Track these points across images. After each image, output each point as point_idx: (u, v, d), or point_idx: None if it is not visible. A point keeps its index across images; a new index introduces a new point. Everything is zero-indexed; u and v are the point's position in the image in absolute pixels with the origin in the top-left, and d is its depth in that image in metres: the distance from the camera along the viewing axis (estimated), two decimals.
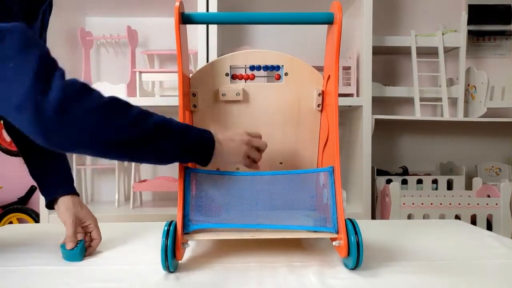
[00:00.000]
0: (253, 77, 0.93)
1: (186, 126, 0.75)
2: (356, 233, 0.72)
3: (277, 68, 0.92)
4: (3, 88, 0.60)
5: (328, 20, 0.84)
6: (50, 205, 0.91)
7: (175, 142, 0.72)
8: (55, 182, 0.91)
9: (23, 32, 0.63)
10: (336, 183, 0.78)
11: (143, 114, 0.68)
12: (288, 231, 0.76)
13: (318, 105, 0.92)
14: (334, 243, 0.75)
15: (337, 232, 0.74)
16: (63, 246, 0.80)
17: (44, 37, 0.86)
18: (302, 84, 0.93)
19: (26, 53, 0.61)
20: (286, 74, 0.92)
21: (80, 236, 0.85)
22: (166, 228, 0.73)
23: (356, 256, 0.71)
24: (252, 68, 0.92)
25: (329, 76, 0.86)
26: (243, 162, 0.82)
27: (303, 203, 0.83)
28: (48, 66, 0.64)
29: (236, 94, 0.91)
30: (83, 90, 0.64)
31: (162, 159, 0.73)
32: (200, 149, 0.75)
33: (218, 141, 0.77)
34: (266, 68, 0.92)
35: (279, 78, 0.93)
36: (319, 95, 0.91)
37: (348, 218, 0.75)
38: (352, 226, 0.73)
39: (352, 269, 0.73)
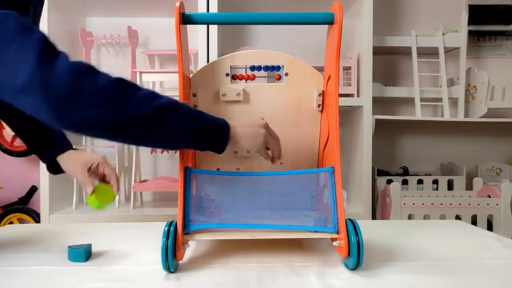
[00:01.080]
0: (253, 77, 0.93)
1: (199, 111, 0.73)
2: (356, 233, 0.71)
3: (278, 68, 0.92)
4: (5, 72, 0.59)
5: (328, 20, 0.84)
6: (53, 169, 0.94)
7: (187, 123, 0.70)
8: (52, 144, 0.94)
9: (19, 18, 0.62)
10: (336, 183, 0.77)
11: (153, 93, 0.67)
12: (288, 231, 0.76)
13: (319, 105, 0.92)
14: (334, 243, 0.75)
15: (338, 232, 0.74)
16: (69, 247, 0.80)
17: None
18: (302, 84, 0.92)
19: (26, 35, 0.60)
20: (286, 74, 0.92)
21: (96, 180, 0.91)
22: (166, 228, 0.73)
23: (356, 256, 0.71)
24: (253, 68, 0.92)
25: (329, 76, 0.87)
26: (262, 150, 0.80)
27: (304, 203, 0.83)
28: (50, 47, 0.62)
29: (237, 95, 0.91)
30: (91, 68, 0.63)
31: (171, 141, 0.71)
32: (213, 134, 0.73)
33: (233, 127, 0.75)
34: (266, 68, 0.92)
35: (279, 78, 0.93)
36: (319, 95, 0.91)
37: (349, 218, 0.74)
38: (352, 226, 0.73)
39: (353, 269, 0.73)
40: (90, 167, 0.91)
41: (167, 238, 0.71)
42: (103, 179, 0.94)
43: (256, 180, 0.84)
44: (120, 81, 0.65)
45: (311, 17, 0.86)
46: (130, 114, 0.64)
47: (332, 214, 0.76)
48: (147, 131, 0.67)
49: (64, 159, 0.93)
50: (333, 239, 0.77)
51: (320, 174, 0.82)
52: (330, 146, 0.86)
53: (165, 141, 0.71)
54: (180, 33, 0.79)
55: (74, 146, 0.98)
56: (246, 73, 0.93)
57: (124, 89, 0.64)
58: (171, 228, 0.73)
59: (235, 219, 0.78)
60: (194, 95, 0.91)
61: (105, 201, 0.82)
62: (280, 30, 1.86)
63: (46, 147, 0.96)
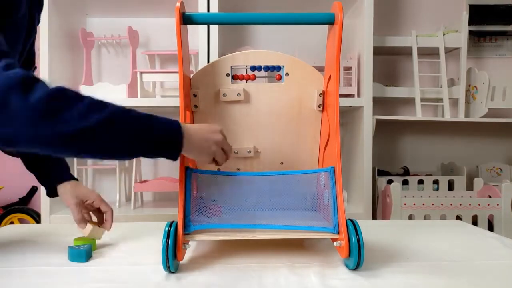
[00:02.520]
0: (254, 78, 0.93)
1: (148, 119, 0.69)
2: (357, 233, 0.72)
3: (278, 68, 0.92)
4: None
5: (329, 21, 0.84)
6: (51, 193, 0.96)
7: (132, 136, 0.66)
8: (50, 173, 0.96)
9: None
10: (337, 184, 0.78)
11: (94, 105, 0.63)
12: (289, 232, 0.76)
13: (319, 106, 0.92)
14: (335, 243, 0.75)
15: (338, 233, 0.75)
16: (70, 247, 0.79)
17: (33, 31, 0.86)
18: (303, 85, 0.92)
19: None
20: (287, 74, 0.92)
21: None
22: (166, 228, 0.73)
23: (357, 256, 0.71)
24: (253, 68, 0.92)
25: (330, 76, 0.87)
26: (206, 161, 0.78)
27: (304, 203, 0.84)
28: None
29: (237, 95, 0.91)
30: (26, 83, 0.59)
31: (117, 154, 0.68)
32: (164, 143, 0.70)
33: (187, 137, 0.72)
34: (267, 68, 0.92)
35: (280, 78, 0.93)
36: (319, 96, 0.91)
37: (349, 219, 0.75)
38: (353, 226, 0.73)
39: (353, 269, 0.73)
40: (85, 202, 0.92)
41: (167, 238, 0.71)
42: (98, 211, 0.94)
43: (257, 180, 0.84)
44: (54, 96, 0.61)
45: (312, 17, 0.86)
46: (61, 130, 0.59)
47: (332, 215, 0.76)
48: (86, 147, 0.63)
49: (61, 191, 0.94)
50: (334, 240, 0.77)
51: (321, 174, 0.82)
52: (330, 146, 0.86)
53: (110, 154, 0.67)
54: (180, 33, 0.79)
55: (76, 177, 0.98)
56: (246, 73, 0.93)
57: (56, 105, 0.60)
58: (172, 229, 0.73)
59: (236, 219, 0.78)
60: (195, 95, 0.91)
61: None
62: (280, 30, 1.86)
63: (46, 175, 0.97)
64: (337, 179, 0.78)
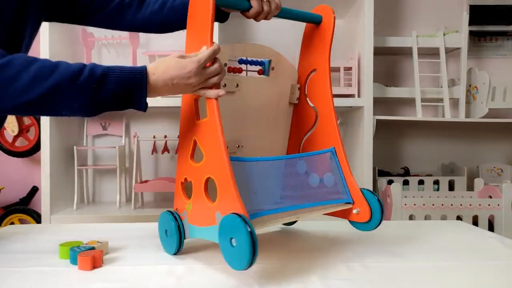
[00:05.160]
0: (240, 71, 0.94)
1: (105, 72, 0.69)
2: (374, 195, 0.84)
3: (263, 63, 0.93)
4: None
5: (317, 21, 0.92)
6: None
7: (89, 93, 0.67)
8: None
9: None
10: (340, 161, 0.88)
11: (37, 75, 0.65)
12: (313, 209, 0.82)
13: (297, 99, 0.97)
14: (354, 211, 0.85)
15: (353, 202, 0.86)
16: (72, 248, 0.79)
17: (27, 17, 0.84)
18: (283, 78, 0.97)
19: None
20: (272, 68, 0.93)
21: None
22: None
23: (380, 213, 0.83)
24: (241, 61, 0.93)
25: (314, 69, 0.94)
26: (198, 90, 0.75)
27: (318, 182, 0.87)
28: None
29: (236, 85, 0.90)
30: None
31: (79, 111, 0.69)
32: (127, 94, 0.70)
33: (151, 78, 0.71)
34: (254, 62, 0.93)
35: (262, 73, 0.95)
36: (298, 89, 0.97)
37: (363, 188, 0.86)
38: (368, 192, 0.85)
39: (374, 228, 0.84)
40: None
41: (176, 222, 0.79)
42: None
43: (276, 164, 0.84)
44: (8, 63, 0.64)
45: (302, 14, 0.92)
46: (9, 103, 0.64)
47: (344, 188, 0.86)
48: (41, 113, 0.69)
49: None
50: (351, 210, 0.87)
51: (322, 156, 0.88)
52: (322, 131, 0.93)
53: (73, 112, 0.69)
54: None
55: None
56: (235, 65, 0.94)
57: (5, 77, 0.63)
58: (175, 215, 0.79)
59: (276, 203, 0.78)
60: None
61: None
62: (280, 27, 1.85)
63: None
64: (339, 157, 0.88)
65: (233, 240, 0.66)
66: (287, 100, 0.98)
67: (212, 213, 0.73)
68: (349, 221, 0.91)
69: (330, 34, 0.90)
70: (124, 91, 0.70)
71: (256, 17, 0.86)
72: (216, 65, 0.75)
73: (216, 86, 0.76)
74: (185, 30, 0.84)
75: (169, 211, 0.84)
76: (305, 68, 0.97)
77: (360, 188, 0.86)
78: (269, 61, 0.93)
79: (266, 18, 0.87)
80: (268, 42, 0.99)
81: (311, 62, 0.95)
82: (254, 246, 0.62)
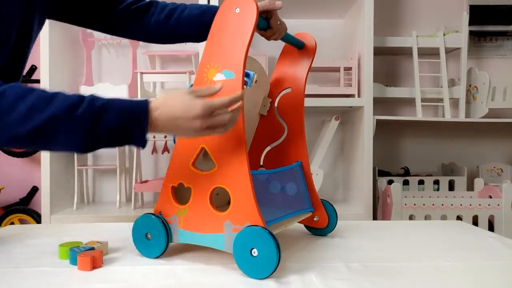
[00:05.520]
0: None
1: (105, 105, 0.64)
2: (331, 205, 0.98)
3: (249, 74, 0.92)
4: None
5: (300, 46, 0.99)
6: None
7: (86, 128, 0.63)
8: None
9: None
10: (306, 175, 0.97)
11: (34, 106, 0.61)
12: (289, 219, 0.87)
13: (267, 111, 1.02)
14: (314, 218, 0.95)
15: (314, 211, 0.96)
16: (72, 249, 0.79)
17: (30, 16, 0.82)
18: (260, 91, 1.00)
19: None
20: (256, 81, 0.91)
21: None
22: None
23: (335, 219, 0.97)
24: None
25: (289, 87, 0.99)
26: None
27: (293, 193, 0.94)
28: None
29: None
30: None
31: (74, 148, 0.65)
32: (127, 130, 0.66)
33: (154, 126, 0.67)
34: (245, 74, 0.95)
35: (245, 83, 0.94)
36: (270, 102, 1.01)
37: (322, 199, 0.98)
38: (326, 202, 0.98)
39: (330, 232, 0.96)
40: None
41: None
42: None
43: (269, 177, 0.87)
44: (2, 94, 0.61)
45: (291, 38, 0.96)
46: (4, 136, 0.62)
47: (308, 198, 0.96)
48: (41, 143, 0.64)
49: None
50: (311, 217, 0.97)
51: (294, 169, 0.96)
52: (289, 144, 0.99)
53: (68, 147, 0.65)
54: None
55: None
56: None
57: (5, 102, 0.61)
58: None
59: (271, 215, 0.81)
60: None
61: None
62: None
63: None
64: (306, 170, 0.97)
65: (253, 250, 0.70)
66: (258, 111, 1.01)
67: (218, 222, 0.75)
68: (306, 226, 1.01)
69: (311, 59, 0.98)
70: (123, 127, 0.66)
71: (270, 37, 0.91)
72: (228, 116, 0.70)
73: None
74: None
75: (151, 214, 0.82)
76: (279, 84, 1.01)
77: (320, 199, 0.98)
78: (254, 74, 0.92)
79: (275, 39, 0.92)
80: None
81: (286, 80, 1.00)
82: (279, 257, 0.68)
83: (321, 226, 0.98)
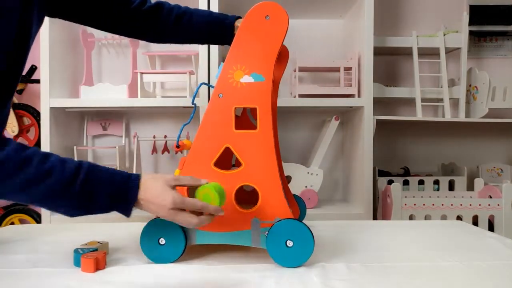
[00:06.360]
0: None
1: (96, 179, 0.69)
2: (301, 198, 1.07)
3: None
4: None
5: None
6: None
7: (80, 201, 0.68)
8: None
9: None
10: (279, 170, 0.92)
11: (41, 173, 0.66)
12: None
13: (241, 112, 1.01)
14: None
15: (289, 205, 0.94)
16: (76, 250, 0.79)
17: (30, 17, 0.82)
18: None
19: None
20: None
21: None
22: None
23: (304, 213, 1.04)
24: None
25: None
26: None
27: None
28: None
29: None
30: None
31: (66, 212, 0.71)
32: (116, 202, 0.71)
33: (139, 205, 0.72)
34: None
35: None
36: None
37: (295, 194, 1.05)
38: (297, 196, 1.06)
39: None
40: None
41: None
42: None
43: None
44: (1, 163, 0.64)
45: None
46: (13, 196, 0.67)
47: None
48: (38, 204, 0.70)
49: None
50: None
51: None
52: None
53: (61, 213, 0.70)
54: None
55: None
56: None
57: (4, 172, 0.64)
58: None
59: None
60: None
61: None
62: None
63: None
64: (279, 166, 0.93)
65: (288, 242, 0.76)
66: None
67: (244, 219, 0.79)
68: None
69: (284, 65, 1.01)
70: (111, 206, 0.71)
71: None
72: (194, 220, 0.71)
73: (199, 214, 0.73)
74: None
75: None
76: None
77: (293, 194, 1.03)
78: None
79: None
80: None
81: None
82: (313, 244, 0.76)
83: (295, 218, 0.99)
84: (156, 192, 0.70)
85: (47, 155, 0.68)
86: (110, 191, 0.69)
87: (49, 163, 0.67)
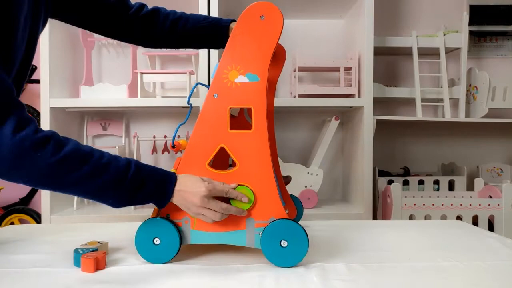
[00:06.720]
0: None
1: (143, 176, 0.75)
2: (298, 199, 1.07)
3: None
4: None
5: None
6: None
7: (129, 192, 0.74)
8: None
9: None
10: (276, 171, 0.94)
11: (94, 169, 0.70)
12: None
13: (238, 112, 1.01)
14: (286, 211, 0.87)
15: (285, 204, 0.94)
16: (76, 250, 0.79)
17: (38, 21, 0.83)
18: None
19: None
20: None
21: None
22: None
23: (301, 211, 1.05)
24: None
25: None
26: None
27: None
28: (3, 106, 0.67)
29: None
30: (36, 144, 0.67)
31: (112, 203, 0.75)
32: (156, 196, 0.77)
33: (176, 190, 0.77)
34: None
35: None
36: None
37: (291, 194, 1.05)
38: (294, 196, 1.06)
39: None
40: None
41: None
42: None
43: None
44: (64, 160, 0.68)
45: None
46: (69, 189, 0.71)
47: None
48: (89, 196, 0.74)
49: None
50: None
51: None
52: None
53: (107, 204, 0.75)
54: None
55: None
56: None
57: (65, 168, 0.69)
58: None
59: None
60: None
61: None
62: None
63: None
64: (276, 167, 0.97)
65: (283, 242, 0.76)
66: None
67: (240, 219, 0.79)
68: None
69: (281, 65, 1.00)
70: (153, 196, 0.77)
71: None
72: (218, 214, 0.77)
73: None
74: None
75: (158, 217, 0.80)
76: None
77: (290, 194, 1.04)
78: None
79: None
80: None
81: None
82: (308, 245, 0.76)
83: (291, 218, 0.97)
84: (191, 182, 0.77)
85: (102, 152, 0.74)
86: (155, 181, 0.75)
87: (105, 159, 0.72)
